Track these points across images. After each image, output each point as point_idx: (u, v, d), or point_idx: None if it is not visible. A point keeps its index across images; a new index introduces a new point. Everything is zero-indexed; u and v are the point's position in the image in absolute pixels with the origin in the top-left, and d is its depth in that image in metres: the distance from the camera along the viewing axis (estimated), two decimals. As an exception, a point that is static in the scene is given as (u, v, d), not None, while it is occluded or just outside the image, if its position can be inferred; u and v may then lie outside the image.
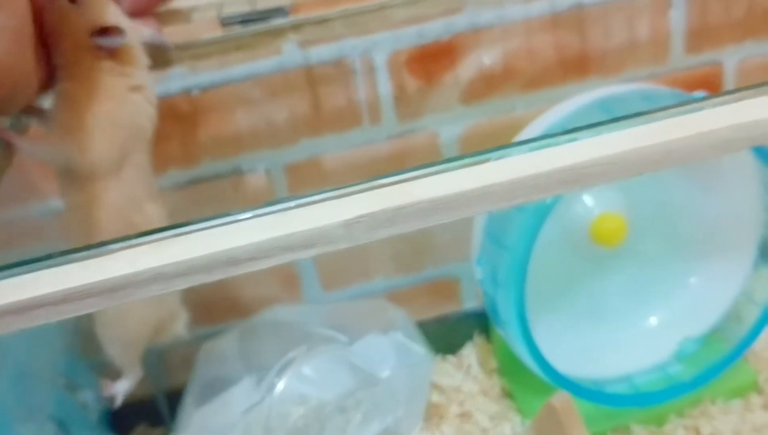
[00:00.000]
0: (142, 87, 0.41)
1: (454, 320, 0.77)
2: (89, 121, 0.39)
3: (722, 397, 0.68)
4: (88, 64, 0.39)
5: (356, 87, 0.66)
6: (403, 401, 0.65)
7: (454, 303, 0.77)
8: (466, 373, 0.75)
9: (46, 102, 0.40)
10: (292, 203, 0.26)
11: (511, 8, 0.65)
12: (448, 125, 0.69)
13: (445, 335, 0.76)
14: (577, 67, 0.69)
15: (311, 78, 0.64)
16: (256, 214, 0.26)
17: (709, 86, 0.71)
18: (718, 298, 0.68)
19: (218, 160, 0.66)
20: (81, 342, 0.61)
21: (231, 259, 0.25)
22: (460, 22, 0.65)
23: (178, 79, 0.62)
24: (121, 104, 0.40)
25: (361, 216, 0.26)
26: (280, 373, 0.62)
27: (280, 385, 0.61)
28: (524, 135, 0.61)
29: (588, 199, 0.63)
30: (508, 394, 0.72)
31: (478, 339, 0.78)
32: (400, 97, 0.67)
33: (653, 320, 0.70)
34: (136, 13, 0.43)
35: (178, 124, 0.64)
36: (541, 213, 0.54)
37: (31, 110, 0.40)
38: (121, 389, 0.48)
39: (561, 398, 0.55)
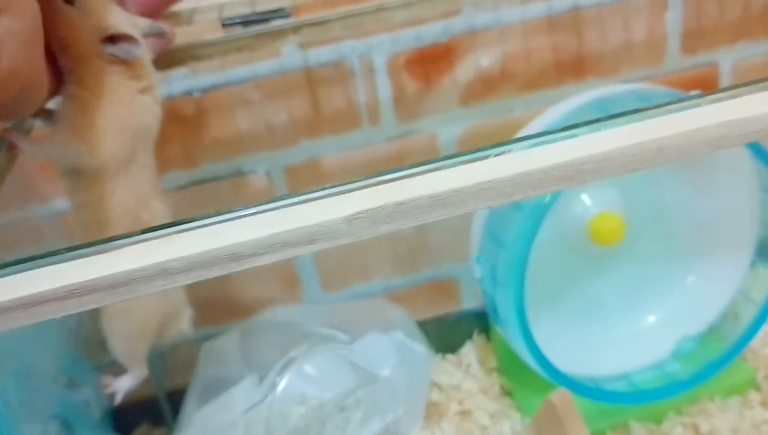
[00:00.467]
0: (150, 88, 0.42)
1: (454, 320, 0.78)
2: (100, 125, 0.39)
3: (720, 395, 0.69)
4: (98, 68, 0.39)
5: (355, 89, 0.66)
6: (403, 400, 0.65)
7: (453, 303, 0.78)
8: (466, 371, 0.75)
9: (50, 103, 0.40)
10: (294, 199, 0.27)
11: (508, 10, 0.66)
12: (447, 126, 0.69)
13: (445, 334, 0.76)
14: (574, 68, 0.69)
15: (311, 80, 0.65)
16: (259, 210, 0.27)
17: (704, 87, 0.72)
18: (716, 296, 0.68)
19: (218, 162, 0.66)
20: (83, 345, 0.62)
21: (234, 254, 0.26)
22: (457, 24, 0.65)
23: (180, 80, 0.62)
24: (131, 107, 0.40)
25: (362, 211, 0.26)
26: (280, 372, 0.62)
27: (281, 385, 0.61)
28: (522, 135, 0.61)
29: (586, 199, 0.63)
30: (507, 393, 0.73)
31: (477, 338, 0.78)
32: (399, 99, 0.67)
33: (651, 319, 0.70)
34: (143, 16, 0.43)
35: (178, 125, 0.64)
36: (540, 212, 0.55)
37: (38, 111, 0.40)
38: (122, 386, 0.48)
39: (560, 395, 0.55)
